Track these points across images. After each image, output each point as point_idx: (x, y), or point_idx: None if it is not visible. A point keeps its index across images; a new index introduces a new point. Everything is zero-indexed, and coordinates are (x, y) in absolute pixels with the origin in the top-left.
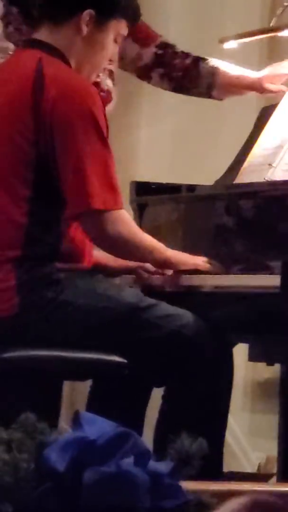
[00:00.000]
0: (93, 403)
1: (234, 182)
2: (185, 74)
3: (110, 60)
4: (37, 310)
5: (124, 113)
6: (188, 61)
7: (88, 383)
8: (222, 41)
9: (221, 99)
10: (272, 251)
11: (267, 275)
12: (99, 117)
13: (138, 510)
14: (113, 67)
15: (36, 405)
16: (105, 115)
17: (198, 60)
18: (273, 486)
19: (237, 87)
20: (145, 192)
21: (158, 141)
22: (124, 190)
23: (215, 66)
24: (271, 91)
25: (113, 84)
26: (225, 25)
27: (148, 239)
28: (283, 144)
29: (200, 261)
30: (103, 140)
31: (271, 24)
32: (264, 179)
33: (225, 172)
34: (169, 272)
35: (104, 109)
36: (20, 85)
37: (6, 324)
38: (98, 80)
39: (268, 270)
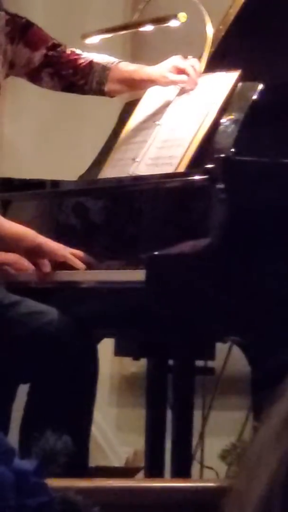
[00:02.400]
0: None
1: (98, 177)
2: (75, 72)
3: None
4: None
5: None
6: (80, 61)
7: None
8: (84, 36)
9: (113, 96)
10: (137, 246)
11: (133, 270)
12: None
13: (1, 509)
14: (1, 79)
15: None
16: None
17: (92, 61)
18: (139, 482)
19: (134, 80)
20: (8, 189)
21: (21, 137)
22: None
23: (110, 62)
24: (173, 81)
25: None
26: (87, 20)
27: (15, 227)
28: (147, 139)
29: (72, 253)
30: None
31: (133, 19)
32: (128, 173)
33: (89, 167)
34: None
35: None
36: None
37: None
38: None
39: (134, 265)
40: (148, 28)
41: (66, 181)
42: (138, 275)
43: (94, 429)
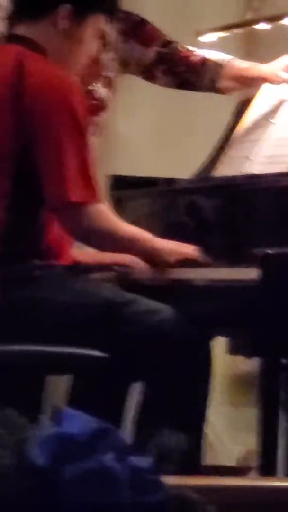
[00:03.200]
0: (73, 398)
1: (211, 175)
2: (188, 69)
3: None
4: (16, 307)
5: None
6: (194, 58)
7: (68, 378)
8: (198, 34)
9: (226, 93)
10: (251, 244)
11: (247, 268)
12: (78, 110)
13: (118, 506)
14: (113, 74)
15: (17, 400)
16: (87, 110)
17: (205, 58)
18: (252, 480)
19: (247, 78)
20: (122, 186)
21: (136, 135)
22: (102, 184)
23: (223, 59)
24: (285, 80)
25: (112, 92)
26: (202, 18)
27: (132, 230)
28: (260, 137)
29: (189, 249)
30: (82, 134)
31: (247, 17)
32: (241, 172)
33: (203, 165)
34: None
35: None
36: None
37: None
38: (91, 88)
39: (248, 263)
40: (263, 26)
41: (180, 178)
42: (252, 273)
43: (206, 428)
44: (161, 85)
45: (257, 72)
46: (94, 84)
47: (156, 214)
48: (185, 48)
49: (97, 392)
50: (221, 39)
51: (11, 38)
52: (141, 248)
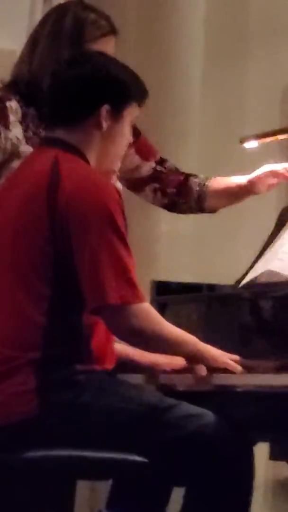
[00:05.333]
0: (114, 502)
1: (254, 281)
2: (178, 191)
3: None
4: (57, 412)
5: (142, 210)
6: (181, 177)
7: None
8: (242, 141)
9: (213, 212)
10: None
11: None
12: (115, 212)
13: None
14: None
15: (52, 503)
16: (123, 212)
17: (189, 175)
18: None
19: (230, 194)
20: (165, 291)
21: (178, 239)
22: (145, 290)
23: (203, 178)
24: (264, 190)
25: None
26: (245, 124)
27: (177, 331)
28: None
29: (230, 360)
30: (120, 235)
31: None
32: (283, 275)
33: (246, 271)
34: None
35: (123, 206)
36: (36, 183)
37: (27, 426)
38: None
39: None
40: None
41: (222, 285)
42: None
43: None
44: (146, 200)
45: (237, 187)
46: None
47: (200, 320)
48: (176, 168)
49: (138, 495)
50: (264, 145)
51: (48, 141)
52: (185, 350)
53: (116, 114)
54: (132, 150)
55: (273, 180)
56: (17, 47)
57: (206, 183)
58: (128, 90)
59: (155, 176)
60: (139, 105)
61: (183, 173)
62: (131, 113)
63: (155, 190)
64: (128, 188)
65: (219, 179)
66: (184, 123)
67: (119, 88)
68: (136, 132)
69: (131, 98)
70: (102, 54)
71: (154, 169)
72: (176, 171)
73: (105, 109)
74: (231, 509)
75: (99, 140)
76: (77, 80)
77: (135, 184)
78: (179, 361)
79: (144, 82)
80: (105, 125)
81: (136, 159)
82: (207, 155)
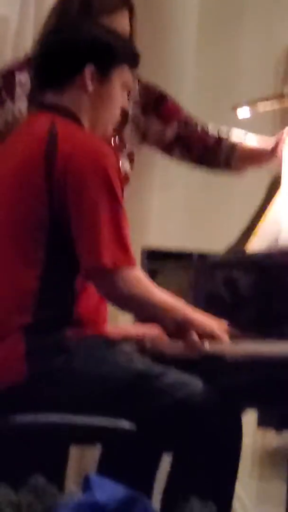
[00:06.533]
0: (103, 467)
1: (245, 249)
2: (205, 151)
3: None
4: (46, 378)
5: (136, 178)
6: (209, 140)
7: (99, 446)
8: (235, 107)
9: (241, 172)
10: (284, 317)
11: (279, 342)
12: (112, 176)
13: None
14: (134, 148)
15: (43, 468)
16: (120, 176)
17: (220, 139)
18: None
19: (256, 161)
20: (156, 258)
21: (170, 208)
22: (136, 256)
23: (234, 142)
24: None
25: (132, 167)
26: (238, 91)
27: (166, 298)
28: None
29: (219, 327)
30: (116, 199)
31: (285, 90)
32: (276, 245)
33: (237, 239)
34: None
35: (120, 171)
36: (33, 148)
37: (16, 391)
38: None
39: (280, 337)
40: None
41: (213, 252)
42: (283, 347)
43: (234, 501)
44: (177, 159)
45: (264, 157)
46: (120, 158)
47: (190, 287)
48: (202, 128)
49: (128, 461)
50: (258, 112)
51: (42, 106)
52: (174, 316)
53: (103, 75)
54: (153, 116)
55: None
56: (10, 14)
57: (236, 146)
58: (113, 51)
59: (180, 138)
60: (131, 68)
61: (208, 133)
62: (121, 76)
63: (182, 151)
64: (162, 153)
65: (249, 145)
66: (177, 89)
67: (103, 49)
68: (159, 100)
69: (118, 60)
70: (87, 20)
71: (177, 131)
72: (203, 131)
73: (89, 69)
74: (218, 476)
75: (88, 103)
76: (60, 43)
77: (164, 148)
78: (153, 332)
79: (136, 46)
80: (90, 86)
81: (157, 124)
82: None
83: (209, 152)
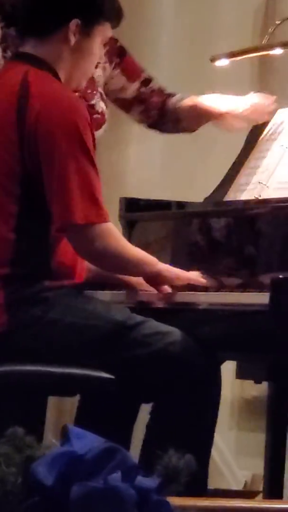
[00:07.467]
0: (81, 418)
1: (224, 199)
2: (159, 112)
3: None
4: (25, 328)
5: (113, 129)
6: (162, 98)
7: (77, 397)
8: (213, 59)
9: (192, 131)
10: (262, 269)
11: (257, 293)
12: (84, 130)
13: None
14: (103, 89)
15: (22, 419)
16: (92, 131)
17: (168, 96)
18: (259, 503)
19: (202, 116)
20: (134, 209)
21: (148, 158)
22: (114, 206)
23: (179, 98)
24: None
25: (106, 106)
26: (216, 43)
27: (138, 252)
28: (274, 163)
29: (193, 275)
30: (87, 154)
31: (263, 42)
32: (255, 197)
33: (215, 189)
34: (165, 289)
35: (92, 124)
36: (4, 100)
37: None
38: (93, 102)
39: (258, 288)
40: (278, 51)
41: (191, 202)
42: (261, 297)
43: (213, 452)
44: (131, 118)
45: (217, 111)
46: (94, 99)
47: (169, 237)
48: (159, 88)
49: (106, 412)
50: (235, 64)
51: (19, 56)
52: (146, 270)
53: (86, 30)
54: (118, 71)
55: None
56: None
57: (179, 105)
58: (99, 8)
59: (139, 98)
60: (113, 26)
61: (164, 93)
62: (103, 32)
63: (140, 112)
64: (119, 108)
65: (193, 100)
66: (156, 41)
67: (91, 5)
68: (121, 52)
69: (102, 17)
70: None
71: (138, 90)
72: (159, 91)
73: (75, 23)
74: (197, 425)
75: (67, 55)
76: None
77: (122, 104)
78: (133, 280)
79: (120, 5)
80: (73, 40)
81: (122, 80)
82: (179, 73)
83: (161, 112)
